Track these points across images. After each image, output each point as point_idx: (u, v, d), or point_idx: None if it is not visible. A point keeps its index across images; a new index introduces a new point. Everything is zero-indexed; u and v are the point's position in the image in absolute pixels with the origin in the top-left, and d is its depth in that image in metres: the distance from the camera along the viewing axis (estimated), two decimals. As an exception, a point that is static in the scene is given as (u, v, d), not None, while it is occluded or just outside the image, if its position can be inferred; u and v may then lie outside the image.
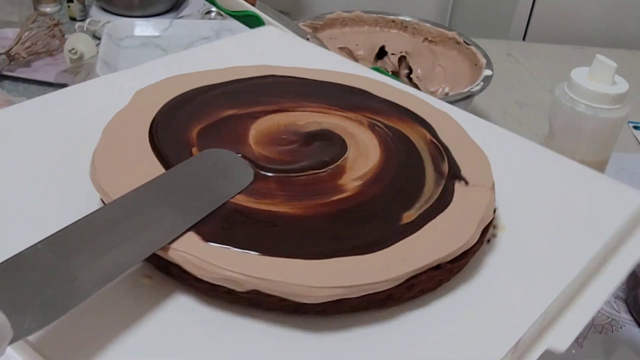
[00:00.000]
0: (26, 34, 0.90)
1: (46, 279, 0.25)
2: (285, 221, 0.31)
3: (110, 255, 0.27)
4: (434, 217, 0.32)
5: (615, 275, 0.35)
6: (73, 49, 0.86)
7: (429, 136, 0.39)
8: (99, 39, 0.90)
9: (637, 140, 0.85)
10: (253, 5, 0.60)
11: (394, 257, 0.29)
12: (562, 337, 0.31)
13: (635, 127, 0.88)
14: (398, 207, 0.33)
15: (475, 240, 0.32)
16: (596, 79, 0.56)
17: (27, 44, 0.89)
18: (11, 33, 0.96)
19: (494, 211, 0.34)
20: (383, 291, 0.29)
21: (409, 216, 0.32)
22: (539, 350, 0.30)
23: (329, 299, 0.28)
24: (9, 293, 0.24)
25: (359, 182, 0.34)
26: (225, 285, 0.28)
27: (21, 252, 0.25)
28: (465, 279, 0.32)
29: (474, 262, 0.33)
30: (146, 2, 1.07)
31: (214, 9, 1.06)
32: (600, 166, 0.60)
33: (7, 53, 0.87)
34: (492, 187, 0.35)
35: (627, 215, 0.37)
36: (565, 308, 0.33)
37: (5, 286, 0.24)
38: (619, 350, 0.52)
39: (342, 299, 0.28)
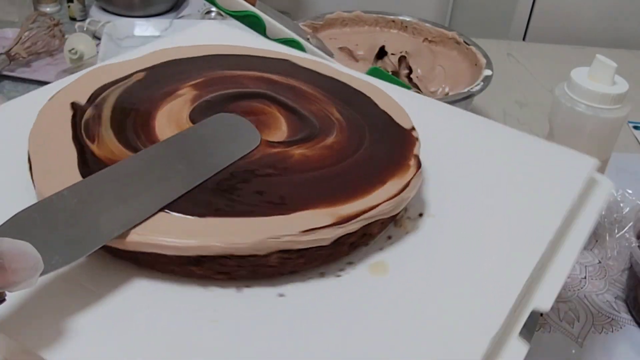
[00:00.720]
0: (26, 34, 0.90)
1: (71, 221, 0.28)
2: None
3: (131, 202, 0.30)
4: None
5: (579, 235, 0.37)
6: (73, 49, 0.86)
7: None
8: (99, 39, 0.90)
9: (637, 140, 0.85)
10: (253, 5, 0.60)
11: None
12: (544, 298, 0.33)
13: (635, 127, 0.88)
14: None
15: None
16: (596, 79, 0.56)
17: (27, 44, 0.89)
18: (11, 33, 0.96)
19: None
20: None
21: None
22: (525, 313, 0.32)
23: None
24: (39, 232, 0.27)
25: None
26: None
27: (48, 197, 0.28)
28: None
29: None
30: (146, 2, 1.07)
31: (214, 9, 1.06)
32: (600, 166, 0.60)
33: (7, 53, 0.87)
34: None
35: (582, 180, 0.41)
36: (542, 270, 0.35)
37: (36, 226, 0.27)
38: (619, 350, 0.52)
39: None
